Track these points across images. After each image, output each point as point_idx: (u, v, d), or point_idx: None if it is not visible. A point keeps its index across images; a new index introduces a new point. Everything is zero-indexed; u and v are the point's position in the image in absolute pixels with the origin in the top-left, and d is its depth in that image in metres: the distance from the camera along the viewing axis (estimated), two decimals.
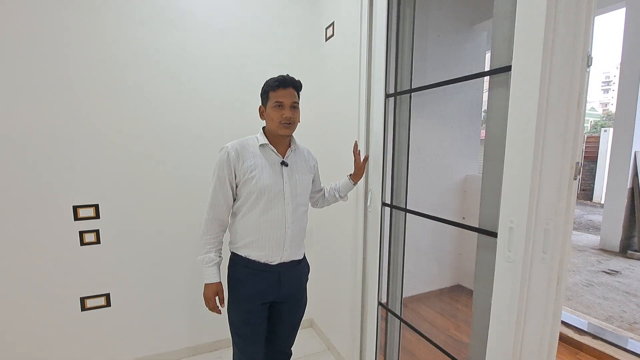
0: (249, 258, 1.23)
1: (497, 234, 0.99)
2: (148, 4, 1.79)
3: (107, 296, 1.89)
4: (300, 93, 1.29)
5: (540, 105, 0.86)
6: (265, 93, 1.25)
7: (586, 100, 0.89)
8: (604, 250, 4.69)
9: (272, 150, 1.26)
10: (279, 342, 1.40)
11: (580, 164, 0.89)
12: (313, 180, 1.44)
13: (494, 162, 1.02)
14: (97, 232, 1.83)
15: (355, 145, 1.51)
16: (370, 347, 1.71)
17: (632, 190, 4.47)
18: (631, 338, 2.27)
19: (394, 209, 1.57)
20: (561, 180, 0.88)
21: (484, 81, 2.94)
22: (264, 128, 1.30)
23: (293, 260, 1.30)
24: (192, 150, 1.96)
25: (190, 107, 1.93)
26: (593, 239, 5.27)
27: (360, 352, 1.80)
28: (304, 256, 1.39)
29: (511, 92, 0.92)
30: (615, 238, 4.59)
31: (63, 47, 1.66)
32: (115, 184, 1.83)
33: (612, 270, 3.97)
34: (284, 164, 1.26)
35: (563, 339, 2.26)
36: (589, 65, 0.85)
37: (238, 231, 1.25)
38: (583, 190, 10.73)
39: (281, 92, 1.21)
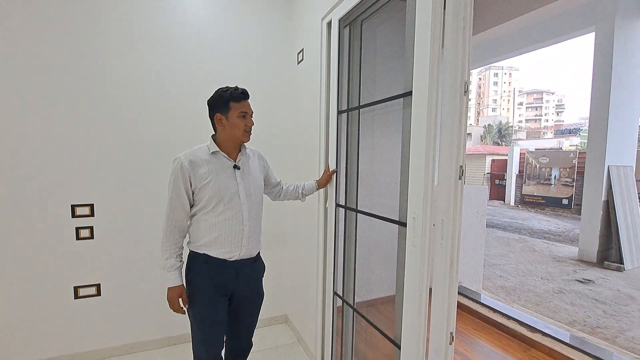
0: (208, 254, 1.31)
1: (406, 224, 1.23)
2: (149, 29, 2.09)
3: (98, 286, 2.12)
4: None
5: (429, 121, 1.11)
6: (225, 103, 1.32)
7: (467, 117, 1.14)
8: (582, 261, 4.84)
9: (224, 156, 1.35)
10: (240, 335, 1.50)
11: (464, 167, 1.13)
12: (266, 178, 1.59)
13: (405, 167, 1.26)
14: (91, 228, 2.08)
15: (328, 167, 1.78)
16: (328, 335, 1.91)
17: (606, 202, 4.66)
18: (584, 337, 2.44)
19: (347, 210, 1.81)
20: (449, 180, 1.12)
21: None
22: (213, 136, 1.39)
23: (250, 257, 1.40)
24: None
25: (175, 119, 2.21)
26: (574, 250, 5.42)
27: (322, 340, 2.00)
28: (259, 255, 1.49)
29: (412, 111, 1.17)
30: (593, 249, 4.74)
31: (70, 57, 1.95)
32: (108, 186, 2.09)
33: (586, 279, 4.12)
34: (236, 167, 1.36)
35: (517, 335, 2.43)
36: (465, 92, 1.11)
37: (197, 232, 1.33)
38: (577, 205, 10.84)
39: (245, 103, 1.35)
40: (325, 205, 1.90)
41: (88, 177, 2.05)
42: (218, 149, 1.34)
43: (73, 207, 2.03)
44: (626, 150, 4.81)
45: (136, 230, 2.17)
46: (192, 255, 1.36)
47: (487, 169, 14.94)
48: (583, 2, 4.32)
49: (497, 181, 14.46)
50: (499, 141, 34.02)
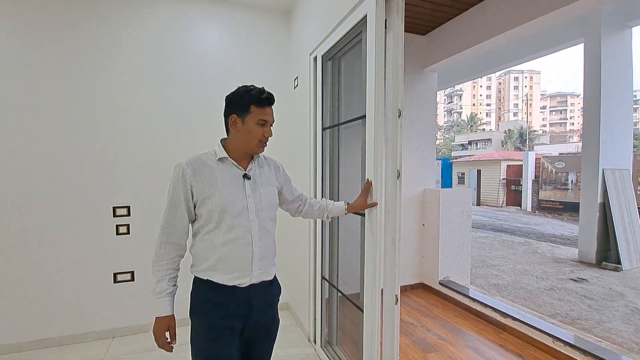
0: (213, 281, 1.12)
1: (364, 213, 1.62)
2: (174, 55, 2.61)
3: (132, 273, 2.61)
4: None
5: (376, 137, 1.50)
6: (246, 105, 1.15)
7: (401, 134, 1.53)
8: (581, 262, 4.97)
9: (233, 164, 1.18)
10: None
11: (400, 170, 1.52)
12: (282, 190, 1.38)
13: (363, 170, 1.66)
14: (128, 225, 2.58)
15: (369, 183, 1.52)
16: (319, 315, 2.30)
17: (602, 204, 4.80)
18: (553, 324, 2.69)
19: None
20: (392, 179, 1.51)
21: (435, 114, 3.57)
22: (223, 140, 1.23)
23: (264, 282, 1.19)
24: None
25: (196, 138, 2.70)
26: (576, 252, 5.53)
27: (314, 320, 2.38)
28: (275, 276, 1.27)
29: (366, 129, 1.57)
30: (591, 250, 4.87)
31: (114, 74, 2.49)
32: (142, 191, 2.59)
33: (580, 279, 4.29)
34: (246, 177, 1.18)
35: (491, 321, 2.72)
36: (399, 116, 1.50)
37: (200, 253, 1.15)
38: None
39: (268, 110, 1.18)
40: None
41: (126, 184, 2.56)
42: (227, 155, 1.17)
43: (114, 208, 2.54)
44: (621, 154, 4.95)
45: None
46: (196, 281, 1.17)
47: (503, 175, 14.85)
48: (572, 17, 4.60)
49: (512, 187, 14.36)
50: (521, 146, 33.33)
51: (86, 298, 2.51)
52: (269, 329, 1.27)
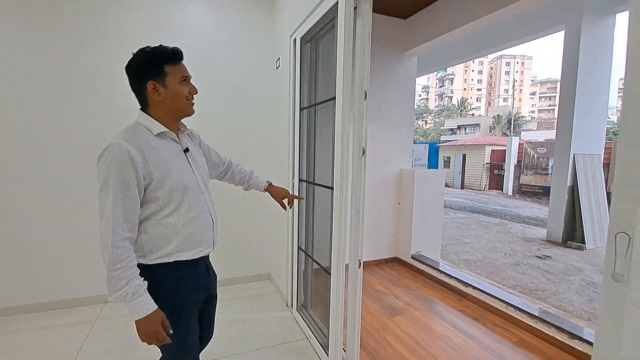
0: (180, 260, 1.08)
1: (332, 187, 1.78)
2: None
3: None
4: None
5: (344, 117, 1.65)
6: (159, 67, 1.05)
7: (367, 116, 1.67)
8: (549, 242, 5.31)
9: (172, 139, 1.12)
10: (209, 327, 1.34)
11: (365, 148, 1.67)
12: (207, 157, 1.38)
13: (332, 149, 1.81)
14: None
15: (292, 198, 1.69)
16: (295, 282, 2.50)
17: (572, 188, 5.09)
18: (509, 292, 2.97)
19: (307, 183, 2.37)
20: (357, 157, 1.67)
21: (413, 97, 3.71)
22: (146, 111, 1.09)
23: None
24: None
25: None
26: (545, 232, 5.88)
27: (291, 287, 2.59)
28: None
29: (335, 110, 1.71)
30: (558, 230, 5.20)
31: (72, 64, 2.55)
32: None
33: (545, 256, 4.62)
34: (187, 151, 1.15)
35: (455, 290, 2.98)
36: (365, 98, 1.64)
37: (156, 241, 1.05)
38: None
39: (182, 65, 1.10)
40: (292, 180, 2.46)
41: None
42: (166, 129, 1.09)
43: None
44: (595, 140, 5.21)
45: None
46: (157, 267, 1.06)
47: (487, 159, 15.23)
48: (553, 3, 4.72)
49: (496, 171, 14.77)
50: (508, 132, 33.84)
51: (79, 264, 2.65)
52: (215, 296, 1.34)
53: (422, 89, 53.30)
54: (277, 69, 2.85)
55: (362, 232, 1.73)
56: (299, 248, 2.45)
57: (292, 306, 2.58)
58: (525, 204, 10.69)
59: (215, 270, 1.32)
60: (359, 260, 1.74)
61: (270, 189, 1.62)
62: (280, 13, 2.73)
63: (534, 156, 12.89)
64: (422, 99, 54.11)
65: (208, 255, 1.23)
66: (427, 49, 3.51)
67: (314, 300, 2.45)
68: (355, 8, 1.66)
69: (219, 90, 2.89)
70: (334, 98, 1.76)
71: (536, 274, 3.94)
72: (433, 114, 47.81)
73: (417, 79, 3.82)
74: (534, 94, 49.77)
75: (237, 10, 2.89)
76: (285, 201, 1.69)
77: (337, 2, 1.68)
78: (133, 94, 1.11)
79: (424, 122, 47.32)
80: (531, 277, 3.81)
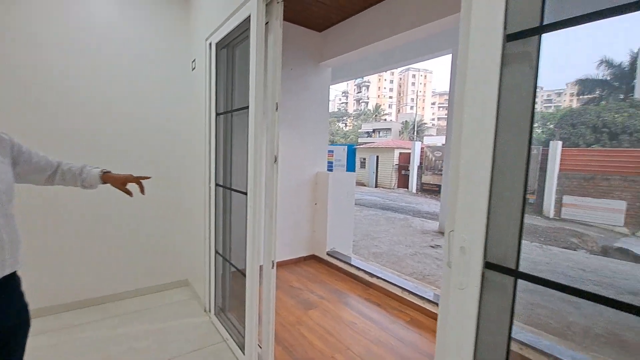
0: None
1: (247, 192, 1.86)
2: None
3: None
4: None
5: (256, 126, 1.74)
6: None
7: (278, 126, 1.80)
8: (440, 233, 6.25)
9: None
10: None
11: (277, 155, 1.80)
12: (20, 161, 1.18)
13: (246, 155, 1.89)
14: None
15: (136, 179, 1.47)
16: (213, 287, 2.50)
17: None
18: (406, 279, 3.45)
19: (224, 188, 2.39)
20: (270, 164, 1.78)
21: (328, 105, 3.99)
22: None
23: (12, 273, 1.07)
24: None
25: (94, 115, 2.51)
26: (437, 224, 6.89)
27: (209, 291, 2.57)
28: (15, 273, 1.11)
29: (249, 119, 1.79)
30: None
31: None
32: None
33: (437, 245, 5.43)
34: None
35: (362, 280, 3.34)
36: (276, 109, 1.77)
37: None
38: None
39: None
40: (209, 184, 2.45)
41: None
42: None
43: None
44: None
45: None
46: None
47: (396, 161, 16.94)
48: (443, 30, 5.55)
49: (403, 171, 16.56)
50: (414, 137, 38.07)
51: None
52: (19, 325, 1.11)
53: (342, 93, 56.20)
54: (192, 70, 2.78)
55: (275, 234, 1.85)
56: (216, 252, 2.46)
57: (210, 311, 2.57)
58: (426, 201, 12.25)
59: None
60: (272, 261, 1.86)
61: (108, 178, 1.40)
62: (196, 14, 2.68)
63: (432, 158, 14.85)
64: (342, 103, 57.05)
65: (8, 278, 1.05)
66: (340, 61, 3.81)
67: (231, 303, 2.48)
68: (267, 23, 1.78)
69: (128, 88, 2.69)
70: (248, 107, 1.84)
71: (429, 261, 4.62)
72: (352, 117, 50.81)
73: (337, 84, 4.10)
74: (434, 103, 56.83)
75: (146, 4, 2.72)
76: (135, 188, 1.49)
77: (250, 15, 1.77)
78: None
79: (344, 125, 49.95)
80: (425, 265, 4.47)
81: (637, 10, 0.54)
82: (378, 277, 3.20)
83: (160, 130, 2.87)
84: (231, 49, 2.30)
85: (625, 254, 4.73)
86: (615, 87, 13.75)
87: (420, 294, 2.84)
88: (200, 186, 2.61)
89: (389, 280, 3.12)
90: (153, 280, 2.95)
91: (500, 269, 0.71)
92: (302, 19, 3.46)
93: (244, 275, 2.00)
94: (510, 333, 0.75)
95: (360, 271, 3.39)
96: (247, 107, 1.86)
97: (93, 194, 2.56)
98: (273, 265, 1.86)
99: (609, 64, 15.06)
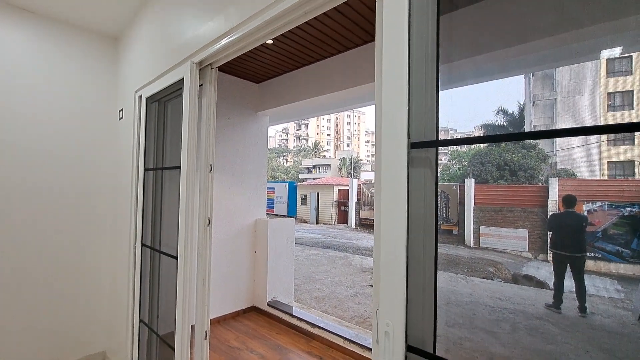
0: None
1: (177, 257, 1.75)
2: None
3: None
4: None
5: (188, 187, 1.68)
6: None
7: (212, 186, 1.78)
8: None
9: None
10: None
11: (211, 218, 1.75)
12: None
13: (177, 216, 1.80)
14: None
15: None
16: (136, 358, 2.20)
17: None
18: (347, 327, 3.46)
19: (152, 250, 2.21)
20: (203, 227, 1.72)
21: (266, 152, 4.06)
22: None
23: None
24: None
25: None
26: None
27: None
28: None
29: (180, 179, 1.73)
30: None
31: None
32: None
33: None
34: None
35: (304, 332, 3.25)
36: (211, 170, 1.75)
37: None
38: None
39: None
40: (134, 244, 2.25)
41: None
42: None
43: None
44: None
45: None
46: None
47: (335, 197, 17.47)
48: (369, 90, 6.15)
49: (342, 207, 17.09)
50: (352, 172, 40.06)
51: None
52: None
53: (282, 130, 57.42)
54: (119, 119, 2.63)
55: (208, 303, 1.75)
56: (140, 321, 2.20)
57: None
58: (364, 236, 12.70)
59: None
60: (205, 332, 1.73)
61: None
62: (126, 63, 2.59)
63: (368, 194, 15.67)
64: (282, 139, 58.07)
65: None
66: (277, 110, 3.96)
67: None
68: (200, 85, 1.80)
69: (44, 133, 2.41)
70: (179, 167, 1.79)
71: (368, 302, 4.72)
72: (292, 153, 51.75)
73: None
74: (367, 141, 61.09)
75: (74, 47, 2.54)
76: None
77: (183, 78, 1.78)
78: None
79: (284, 160, 50.48)
80: (365, 306, 4.55)
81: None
82: (320, 327, 3.15)
83: (79, 183, 2.58)
84: (162, 103, 2.25)
85: (531, 280, 5.44)
86: (510, 131, 16.50)
87: (361, 343, 2.86)
88: (124, 246, 2.38)
89: (331, 330, 3.09)
90: (61, 355, 2.48)
91: (421, 353, 0.78)
92: (240, 71, 3.56)
93: (171, 347, 1.82)
94: None
95: (302, 322, 3.31)
96: (179, 167, 1.81)
97: None
98: (206, 336, 1.73)
99: (504, 112, 18.13)
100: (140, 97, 2.28)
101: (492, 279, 5.90)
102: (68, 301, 2.54)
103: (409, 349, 0.79)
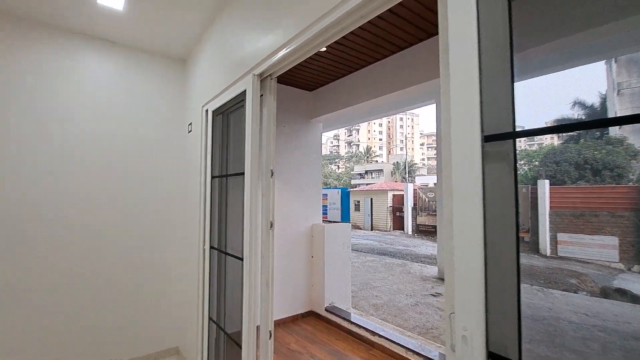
0: None
1: (242, 258, 1.84)
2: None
3: None
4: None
5: (252, 192, 1.77)
6: None
7: (274, 191, 1.84)
8: (440, 279, 6.11)
9: None
10: None
11: (273, 221, 1.82)
12: None
13: (242, 219, 1.90)
14: None
15: None
16: (205, 356, 2.36)
17: None
18: (409, 337, 3.31)
19: (218, 251, 2.36)
20: (265, 230, 1.79)
21: (320, 158, 4.11)
22: None
23: None
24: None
25: (75, 174, 2.54)
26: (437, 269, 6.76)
27: (202, 357, 2.42)
28: None
29: (244, 185, 1.83)
30: None
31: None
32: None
33: (437, 293, 5.29)
34: None
35: (363, 339, 3.19)
36: (272, 175, 1.82)
37: None
38: None
39: None
40: (204, 247, 2.42)
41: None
42: None
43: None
44: None
45: None
46: None
47: (390, 203, 17.02)
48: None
49: (397, 213, 16.56)
50: (406, 177, 38.75)
51: None
52: None
53: (334, 137, 57.95)
54: (189, 132, 2.89)
55: (272, 303, 1.81)
56: (210, 319, 2.35)
57: None
58: (422, 242, 12.13)
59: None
60: (270, 332, 1.79)
61: None
62: (193, 82, 2.84)
63: (425, 199, 14.97)
64: (333, 146, 58.58)
65: None
66: (330, 116, 4.01)
67: None
68: (261, 96, 1.89)
69: (125, 147, 2.76)
70: (243, 173, 1.89)
71: (431, 312, 4.47)
72: (344, 159, 51.87)
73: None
74: (422, 144, 58.72)
75: (149, 71, 2.89)
76: None
77: (245, 90, 1.89)
78: None
79: (336, 167, 50.80)
80: (427, 316, 4.31)
81: None
82: (380, 336, 3.07)
83: (155, 193, 2.89)
84: (226, 115, 2.42)
85: (625, 295, 4.66)
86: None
87: (425, 354, 2.71)
88: (193, 248, 2.58)
89: (392, 339, 2.98)
90: (140, 350, 2.77)
91: None
92: (294, 81, 3.69)
93: (238, 345, 1.91)
94: None
95: (362, 329, 3.25)
96: (243, 173, 1.91)
97: (75, 255, 2.52)
98: (270, 336, 1.78)
99: (582, 104, 16.07)
100: (207, 110, 2.48)
101: (575, 292, 5.19)
102: (144, 299, 2.82)
103: (490, 355, 0.72)
